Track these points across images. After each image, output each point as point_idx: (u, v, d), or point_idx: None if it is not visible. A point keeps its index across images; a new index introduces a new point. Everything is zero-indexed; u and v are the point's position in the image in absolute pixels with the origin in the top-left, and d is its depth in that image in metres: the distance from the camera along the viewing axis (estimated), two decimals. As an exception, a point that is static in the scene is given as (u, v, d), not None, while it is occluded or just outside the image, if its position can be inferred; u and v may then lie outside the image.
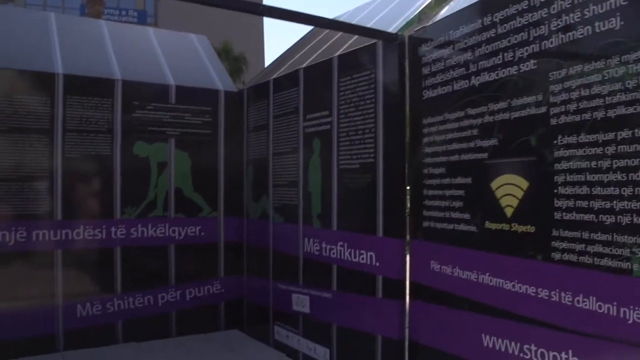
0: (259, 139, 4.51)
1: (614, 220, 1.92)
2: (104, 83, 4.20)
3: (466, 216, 2.68)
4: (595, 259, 1.99)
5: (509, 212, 2.41)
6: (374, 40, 3.39)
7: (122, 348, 4.18)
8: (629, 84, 1.86)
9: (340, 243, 3.60)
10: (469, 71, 2.66)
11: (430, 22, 3.09)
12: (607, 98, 1.94)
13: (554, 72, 2.16)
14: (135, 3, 32.66)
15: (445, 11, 3.12)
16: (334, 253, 3.66)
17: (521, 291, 2.32)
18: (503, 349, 2.43)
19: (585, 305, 2.02)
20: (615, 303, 1.91)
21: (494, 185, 2.51)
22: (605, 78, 1.94)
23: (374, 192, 3.32)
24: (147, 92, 4.35)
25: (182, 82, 4.49)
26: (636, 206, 1.85)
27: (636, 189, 1.85)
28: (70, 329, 4.10)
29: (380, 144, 3.29)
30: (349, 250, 3.53)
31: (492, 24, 2.51)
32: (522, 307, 2.32)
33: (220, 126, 4.63)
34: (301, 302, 3.98)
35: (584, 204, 2.03)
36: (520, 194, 2.34)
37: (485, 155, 2.55)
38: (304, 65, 4.01)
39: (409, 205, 3.25)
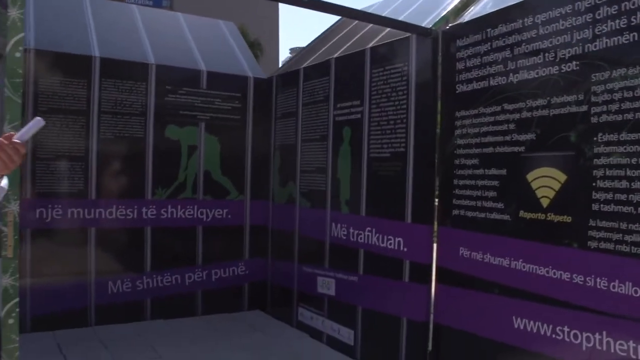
0: (286, 125, 4.66)
1: (652, 213, 2.10)
2: (138, 67, 4.33)
3: (499, 205, 2.85)
4: (632, 247, 2.16)
5: (545, 202, 2.58)
6: (406, 34, 3.54)
7: (151, 324, 4.35)
8: (673, 88, 2.03)
9: (369, 228, 3.77)
10: (507, 68, 2.82)
11: (466, 20, 3.23)
12: (650, 100, 2.11)
13: (597, 74, 2.33)
14: (151, -14, 32.33)
15: (478, 9, 3.27)
16: (361, 238, 3.82)
17: (555, 276, 2.50)
18: (535, 330, 2.61)
19: (621, 290, 2.20)
20: (651, 288, 2.09)
21: (529, 177, 2.67)
22: (650, 82, 2.11)
23: (404, 180, 3.48)
24: (179, 77, 4.49)
25: (212, 68, 4.62)
26: (675, 200, 2.03)
27: (675, 184, 2.03)
28: (101, 305, 4.27)
29: (412, 134, 3.45)
30: (377, 235, 3.69)
31: (533, 24, 2.66)
32: (556, 291, 2.50)
33: (249, 112, 4.78)
34: (326, 285, 4.15)
35: (623, 197, 2.20)
36: (557, 186, 2.52)
37: (522, 148, 2.72)
38: (335, 56, 4.16)
39: (437, 193, 3.42)
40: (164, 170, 4.44)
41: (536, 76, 2.64)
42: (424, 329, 3.39)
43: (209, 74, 4.61)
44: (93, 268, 4.24)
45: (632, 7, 2.18)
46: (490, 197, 2.92)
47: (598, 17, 2.33)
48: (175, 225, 4.49)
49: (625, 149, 2.20)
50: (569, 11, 2.47)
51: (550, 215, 2.55)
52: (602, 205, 2.29)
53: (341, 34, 4.58)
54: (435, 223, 3.40)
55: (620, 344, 2.20)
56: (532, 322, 2.64)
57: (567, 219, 2.46)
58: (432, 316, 3.39)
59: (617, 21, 2.25)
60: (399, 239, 3.53)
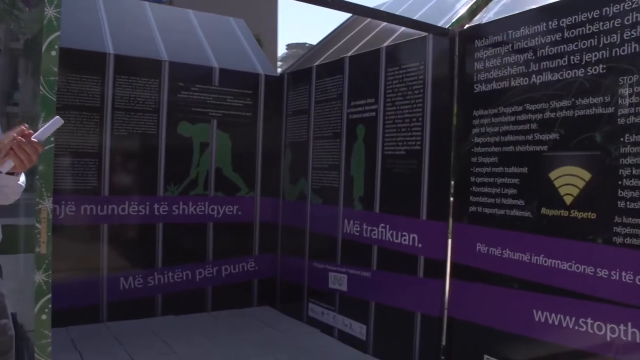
0: (298, 123, 4.74)
1: (680, 210, 2.23)
2: (152, 64, 4.37)
3: (520, 202, 2.97)
4: (659, 243, 2.30)
5: (568, 200, 2.71)
6: (422, 34, 3.64)
7: (162, 320, 4.41)
8: (702, 92, 2.17)
9: (382, 225, 3.87)
10: (530, 70, 2.93)
11: (485, 21, 3.34)
12: (678, 103, 2.25)
13: (624, 77, 2.45)
14: (150, -18, 31.94)
15: (497, 10, 3.38)
16: (375, 234, 3.93)
17: (579, 271, 2.63)
18: (557, 323, 2.73)
19: (647, 283, 2.33)
20: (678, 281, 2.23)
21: (552, 175, 2.80)
22: (679, 85, 2.24)
23: (419, 178, 3.59)
24: (192, 74, 4.54)
25: (224, 65, 4.69)
26: (703, 198, 2.16)
27: (703, 183, 2.16)
28: (114, 301, 4.32)
29: (427, 132, 3.56)
30: (391, 232, 3.80)
31: (558, 28, 2.78)
32: (579, 285, 2.62)
33: (260, 109, 4.85)
34: (338, 281, 4.25)
35: (649, 195, 2.34)
36: (581, 184, 2.64)
37: (544, 147, 2.84)
38: (349, 54, 4.25)
39: (453, 191, 3.53)
40: (176, 166, 4.50)
41: (560, 78, 2.76)
42: (438, 324, 3.50)
43: (221, 71, 4.67)
44: (105, 264, 4.28)
45: (660, 14, 2.30)
46: (510, 194, 3.04)
47: (627, 23, 2.45)
48: (186, 221, 4.55)
49: (652, 149, 2.33)
50: (596, 16, 2.59)
51: (574, 212, 2.67)
52: (628, 203, 2.42)
53: (353, 33, 4.66)
54: (450, 220, 3.50)
55: (646, 335, 2.33)
56: (553, 315, 2.76)
57: (592, 215, 2.58)
58: (446, 311, 3.51)
59: (646, 27, 2.38)
60: (414, 235, 3.63)
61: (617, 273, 2.46)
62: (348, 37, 4.67)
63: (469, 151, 3.32)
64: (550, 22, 2.83)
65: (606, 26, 2.55)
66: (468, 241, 3.31)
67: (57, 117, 1.54)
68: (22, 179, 1.81)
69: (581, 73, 2.66)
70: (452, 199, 3.54)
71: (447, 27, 3.58)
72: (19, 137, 1.54)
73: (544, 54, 2.87)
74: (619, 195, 2.46)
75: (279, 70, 6.92)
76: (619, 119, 2.47)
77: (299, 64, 5.03)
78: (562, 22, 2.76)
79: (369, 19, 4.44)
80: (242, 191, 4.81)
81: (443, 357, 3.49)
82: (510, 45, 3.08)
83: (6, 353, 1.87)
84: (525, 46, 2.98)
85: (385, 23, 4.20)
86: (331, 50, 4.64)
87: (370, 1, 5.30)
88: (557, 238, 2.75)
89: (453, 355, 3.42)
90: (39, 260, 2.63)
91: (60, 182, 4.06)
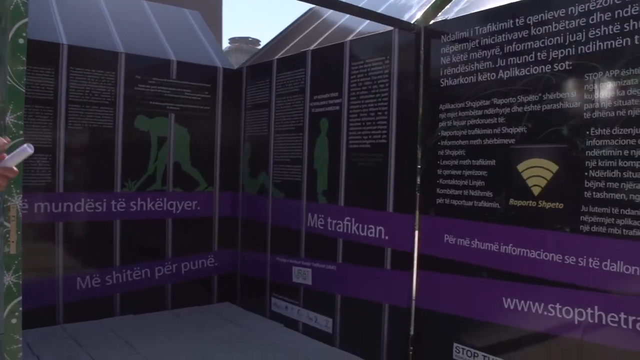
0: (258, 116, 4.81)
1: (644, 199, 2.46)
2: (107, 55, 4.33)
3: (488, 194, 3.16)
4: (624, 230, 2.51)
5: (536, 191, 2.90)
6: (387, 28, 3.78)
7: (121, 320, 4.40)
8: (664, 88, 2.39)
9: (348, 218, 4.00)
10: (497, 65, 3.12)
11: (451, 16, 3.51)
12: (642, 99, 2.46)
13: (590, 74, 2.66)
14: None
15: (462, 7, 3.55)
16: (340, 228, 4.05)
17: (547, 259, 2.83)
18: (526, 309, 2.93)
19: (613, 268, 2.55)
20: (642, 265, 2.45)
21: (520, 167, 2.99)
22: (643, 82, 2.46)
23: (385, 171, 3.73)
24: (149, 67, 4.53)
25: (182, 58, 4.69)
26: (665, 188, 2.39)
27: (665, 174, 2.39)
28: (70, 301, 4.27)
29: (393, 126, 3.70)
30: (357, 225, 3.93)
31: (525, 25, 2.97)
32: (547, 272, 2.83)
33: (219, 103, 4.89)
34: (302, 275, 4.36)
35: (615, 185, 2.55)
36: (549, 175, 2.84)
37: (512, 141, 3.03)
38: (311, 48, 4.34)
39: (419, 183, 3.69)
40: (134, 162, 4.48)
41: (527, 74, 2.95)
42: (406, 315, 3.66)
43: (178, 63, 4.68)
44: (61, 264, 4.23)
45: (625, 14, 2.51)
46: (478, 186, 3.22)
47: (592, 22, 2.66)
48: (144, 218, 4.55)
49: (617, 142, 2.54)
50: (562, 15, 2.79)
51: (542, 203, 2.87)
52: (594, 193, 2.63)
53: (312, 27, 4.76)
54: (417, 212, 3.66)
55: (612, 316, 2.55)
56: (523, 302, 2.96)
57: (560, 205, 2.79)
58: (414, 302, 3.67)
59: (611, 27, 2.58)
60: (380, 227, 3.78)
61: (584, 260, 2.67)
62: (308, 31, 4.76)
63: (436, 144, 3.48)
64: (517, 20, 3.02)
65: (572, 25, 2.74)
66: (435, 233, 3.48)
67: (26, 145, 1.48)
68: None
69: (548, 69, 2.86)
70: (418, 191, 3.69)
71: (412, 22, 3.73)
72: None
73: (511, 50, 3.05)
74: (585, 186, 2.66)
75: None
76: (584, 114, 2.68)
77: (258, 58, 5.09)
78: (529, 20, 2.95)
79: (328, 13, 4.54)
80: (201, 186, 4.84)
81: (411, 347, 3.65)
82: (477, 41, 3.25)
83: None
84: (493, 42, 3.16)
85: (346, 17, 4.31)
86: (291, 44, 4.73)
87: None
88: (525, 228, 2.95)
89: (422, 345, 3.59)
90: (8, 261, 2.59)
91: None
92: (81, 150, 4.27)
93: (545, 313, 2.84)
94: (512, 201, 3.03)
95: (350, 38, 4.06)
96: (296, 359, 3.86)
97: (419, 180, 3.68)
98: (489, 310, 3.12)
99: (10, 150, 1.50)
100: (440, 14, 3.69)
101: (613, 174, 2.56)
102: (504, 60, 3.08)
